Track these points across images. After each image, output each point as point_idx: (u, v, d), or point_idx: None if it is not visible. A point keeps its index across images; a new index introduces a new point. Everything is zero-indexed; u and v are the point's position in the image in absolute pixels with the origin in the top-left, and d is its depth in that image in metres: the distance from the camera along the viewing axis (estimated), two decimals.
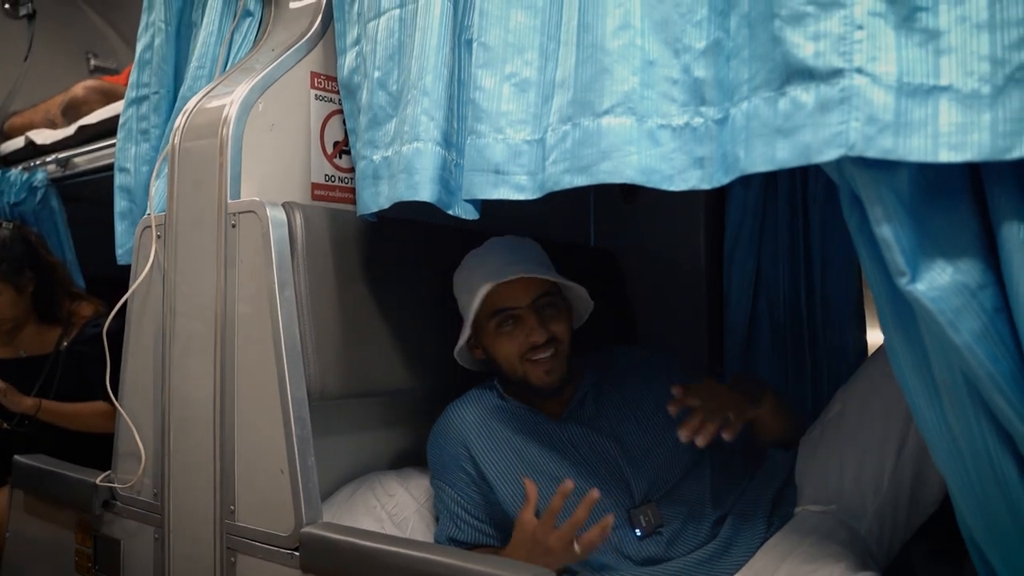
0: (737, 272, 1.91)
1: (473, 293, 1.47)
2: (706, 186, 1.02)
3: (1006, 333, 0.86)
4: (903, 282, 0.87)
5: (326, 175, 1.53)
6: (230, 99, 1.43)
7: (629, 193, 2.11)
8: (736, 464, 1.52)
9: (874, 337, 1.86)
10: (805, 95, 0.89)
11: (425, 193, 1.22)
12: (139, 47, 1.79)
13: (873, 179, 0.87)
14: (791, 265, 1.88)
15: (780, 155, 0.91)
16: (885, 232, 0.87)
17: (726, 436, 1.29)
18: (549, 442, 1.49)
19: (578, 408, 1.53)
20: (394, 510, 1.50)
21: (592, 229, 2.19)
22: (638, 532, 1.40)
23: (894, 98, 0.84)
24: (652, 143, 1.04)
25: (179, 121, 1.53)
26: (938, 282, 0.87)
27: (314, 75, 1.52)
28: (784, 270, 1.88)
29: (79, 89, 2.46)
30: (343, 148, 1.55)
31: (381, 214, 1.40)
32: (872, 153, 0.84)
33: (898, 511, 1.34)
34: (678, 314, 2.00)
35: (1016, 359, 0.86)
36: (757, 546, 1.36)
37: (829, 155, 0.87)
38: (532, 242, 1.58)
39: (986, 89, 0.82)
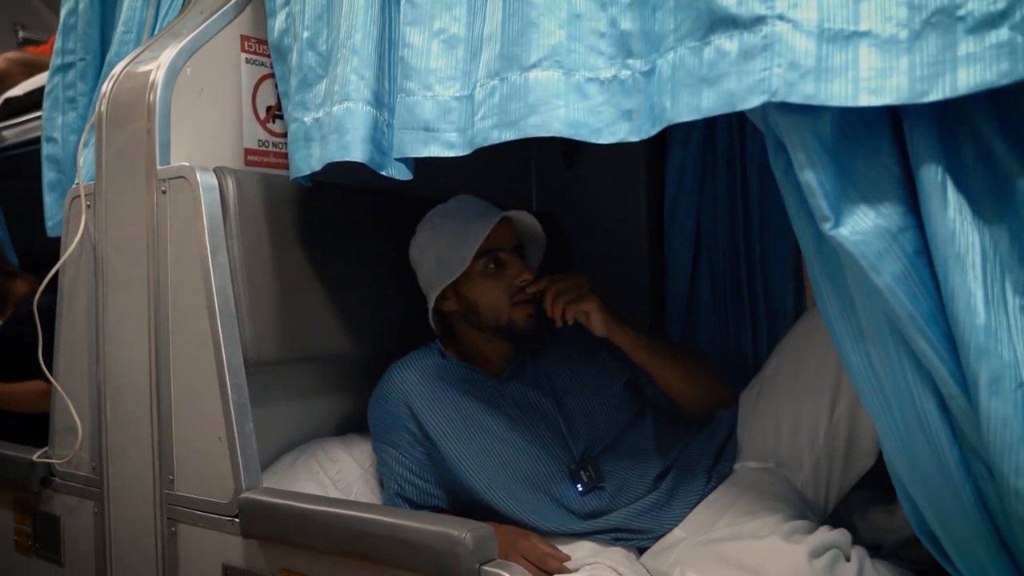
0: (677, 233, 1.93)
1: (472, 230, 1.46)
2: (634, 138, 1.02)
3: (926, 275, 0.88)
4: (827, 227, 0.88)
5: (259, 140, 1.50)
6: (157, 63, 1.40)
7: (570, 157, 2.11)
8: (680, 421, 1.54)
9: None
10: (729, 43, 0.90)
11: (357, 153, 1.21)
12: (63, 12, 1.74)
13: (796, 125, 0.88)
14: (730, 225, 1.90)
15: (705, 104, 0.92)
16: (808, 177, 0.88)
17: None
18: (491, 400, 1.50)
19: (518, 367, 1.54)
20: (337, 476, 1.50)
21: (534, 194, 2.19)
22: (580, 488, 1.41)
23: (815, 44, 0.85)
24: (580, 96, 1.04)
25: (105, 87, 1.49)
26: (860, 226, 0.88)
27: (244, 38, 1.49)
28: (723, 230, 1.90)
29: (1, 62, 2.38)
30: (276, 113, 1.53)
31: (316, 178, 1.38)
32: (794, 98, 0.85)
33: (833, 463, 1.37)
34: (621, 276, 2.00)
35: (935, 300, 0.88)
36: (697, 500, 1.38)
37: (752, 102, 0.88)
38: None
39: (904, 34, 0.83)
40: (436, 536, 1.02)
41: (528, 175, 2.18)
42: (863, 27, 0.84)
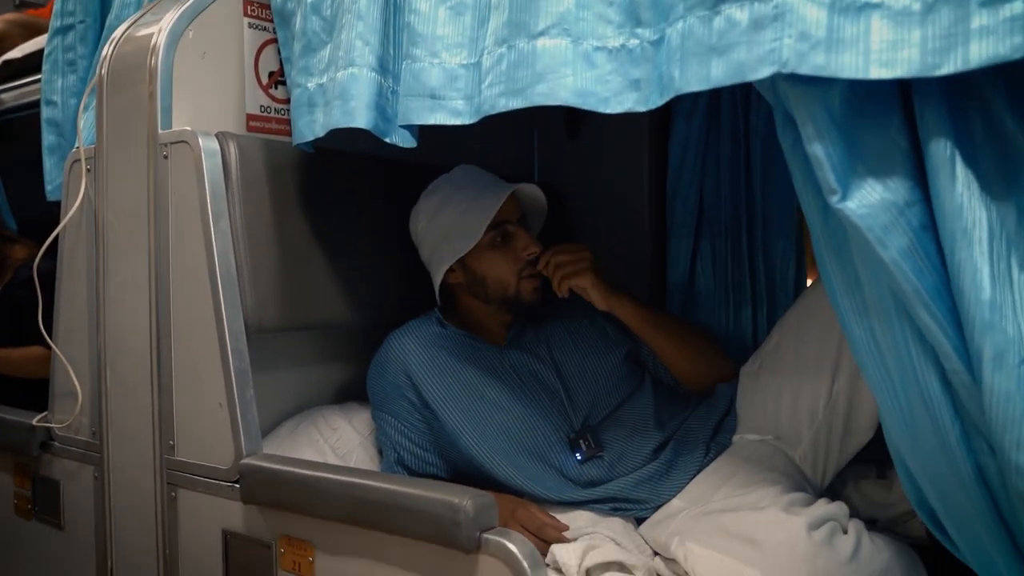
0: (680, 207, 1.92)
1: (483, 202, 1.45)
2: (641, 108, 1.01)
3: (931, 249, 0.88)
4: (834, 200, 0.87)
5: (261, 106, 1.49)
6: (158, 27, 1.38)
7: (573, 128, 2.09)
8: (680, 394, 1.54)
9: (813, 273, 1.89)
10: (739, 13, 0.89)
11: (361, 120, 1.20)
12: None
13: (805, 97, 0.88)
14: (733, 199, 1.89)
15: (715, 74, 0.91)
16: (817, 150, 0.87)
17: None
18: (491, 369, 1.50)
19: (518, 336, 1.54)
20: (337, 443, 1.50)
21: (536, 164, 2.18)
22: (579, 456, 1.42)
23: (826, 15, 0.84)
24: (588, 65, 1.03)
25: (106, 50, 1.47)
26: (868, 200, 0.87)
27: (247, 2, 1.48)
28: (726, 204, 1.89)
29: None
30: (279, 79, 1.51)
31: (319, 145, 1.38)
32: (804, 70, 0.85)
33: (832, 438, 1.37)
34: (623, 249, 2.00)
35: (940, 274, 0.87)
36: (696, 471, 1.39)
37: (762, 72, 0.87)
38: None
39: (916, 6, 0.82)
40: (437, 503, 1.02)
41: (530, 145, 2.17)
42: None
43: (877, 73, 0.83)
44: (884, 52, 0.83)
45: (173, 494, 1.35)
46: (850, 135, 0.89)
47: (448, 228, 1.49)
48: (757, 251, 1.88)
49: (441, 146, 1.49)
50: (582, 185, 2.06)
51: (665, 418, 1.49)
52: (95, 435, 1.50)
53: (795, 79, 0.87)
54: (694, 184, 1.91)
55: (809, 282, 1.91)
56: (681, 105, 1.90)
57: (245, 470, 1.24)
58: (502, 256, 1.49)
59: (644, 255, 2.00)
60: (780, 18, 0.86)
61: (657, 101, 0.99)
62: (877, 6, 0.83)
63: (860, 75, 0.83)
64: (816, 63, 0.84)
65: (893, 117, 0.90)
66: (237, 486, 1.26)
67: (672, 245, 1.94)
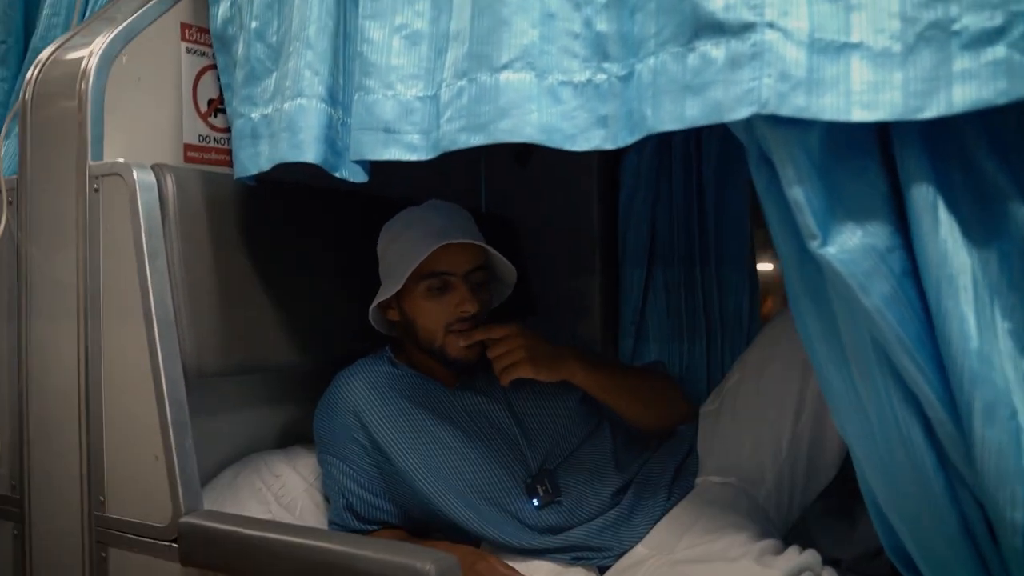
0: (632, 237, 1.89)
1: (414, 249, 1.38)
2: (610, 146, 0.98)
3: (914, 296, 0.85)
4: (814, 245, 0.84)
5: (200, 135, 1.41)
6: (89, 50, 1.29)
7: (522, 156, 2.06)
8: (637, 437, 1.50)
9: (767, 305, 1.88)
10: (715, 50, 0.86)
11: (310, 154, 1.13)
12: None
13: (784, 139, 0.85)
14: (685, 230, 1.87)
15: (690, 113, 0.88)
16: (796, 194, 0.84)
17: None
18: (443, 411, 1.44)
19: (471, 377, 1.48)
20: (281, 491, 1.42)
21: (484, 194, 2.13)
22: (535, 502, 1.37)
23: (805, 54, 0.82)
24: (553, 100, 0.99)
25: (31, 74, 1.37)
26: (848, 245, 0.85)
27: (185, 26, 1.40)
28: (679, 235, 1.87)
29: None
30: (218, 106, 1.44)
31: (261, 176, 1.30)
32: (785, 111, 0.81)
33: (796, 477, 1.35)
34: (573, 280, 1.96)
35: (923, 322, 0.85)
36: (659, 516, 1.35)
37: (740, 113, 0.84)
38: (467, 212, 1.50)
39: (897, 47, 0.80)
40: (398, 568, 0.95)
41: (478, 174, 2.12)
42: (855, 38, 0.81)
43: (860, 115, 0.80)
44: (865, 94, 0.80)
45: (103, 554, 1.25)
46: (829, 178, 0.86)
47: (390, 264, 1.44)
48: (711, 282, 1.86)
49: (387, 176, 1.43)
50: (532, 215, 2.02)
51: (625, 461, 1.45)
52: (15, 488, 1.38)
53: (774, 120, 0.84)
54: (646, 214, 1.88)
55: (763, 312, 1.90)
56: None
57: (184, 529, 1.15)
58: (433, 305, 1.41)
59: (595, 286, 1.96)
60: (758, 57, 0.83)
61: (626, 139, 0.95)
62: (856, 47, 0.81)
63: (842, 117, 0.81)
64: (797, 104, 0.81)
65: (871, 160, 0.88)
66: (175, 546, 1.16)
67: (624, 276, 1.91)
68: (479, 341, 1.40)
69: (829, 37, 0.82)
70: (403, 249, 1.41)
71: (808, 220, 0.84)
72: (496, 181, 2.11)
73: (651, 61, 0.92)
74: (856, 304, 0.85)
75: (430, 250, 1.35)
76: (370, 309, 1.44)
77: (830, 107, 0.81)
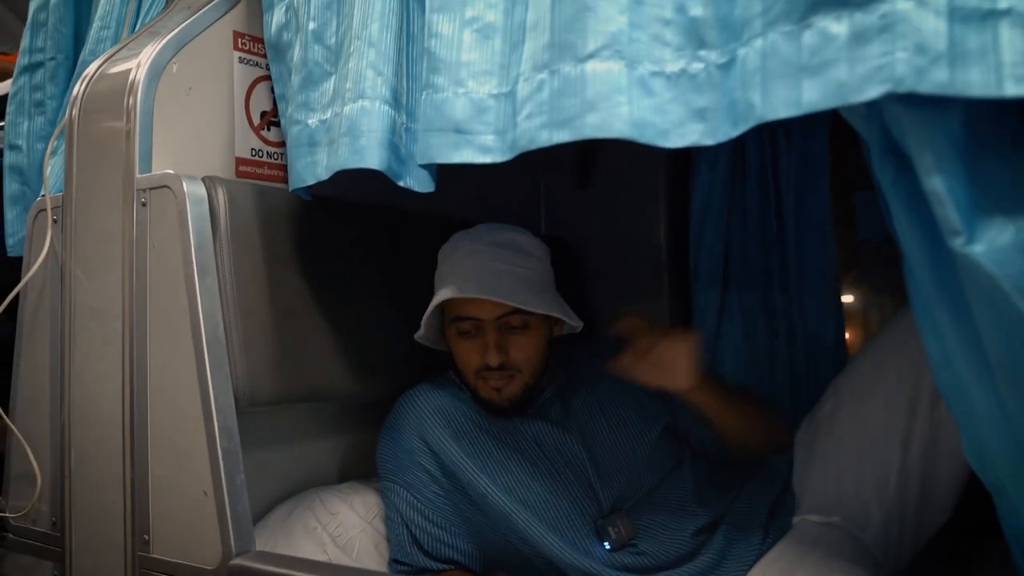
0: (704, 258, 1.78)
1: (441, 286, 1.30)
2: (709, 141, 0.87)
3: None
4: (958, 243, 0.73)
5: (252, 149, 1.33)
6: (137, 61, 1.23)
7: (583, 176, 1.96)
8: (724, 470, 1.37)
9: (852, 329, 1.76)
10: (836, 26, 0.75)
11: (373, 159, 1.04)
12: (32, 7, 1.56)
13: (921, 121, 0.74)
14: (763, 250, 1.75)
15: (807, 97, 0.77)
16: (936, 184, 0.73)
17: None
18: (512, 439, 1.34)
19: (545, 406, 1.38)
20: (337, 531, 1.31)
21: (543, 215, 2.03)
22: (607, 545, 1.25)
23: (945, 24, 0.71)
24: (644, 92, 0.89)
25: (77, 89, 1.31)
26: (998, 242, 0.73)
27: (238, 35, 1.33)
28: (755, 256, 1.75)
29: None
30: (272, 119, 1.36)
31: (317, 192, 1.22)
32: (925, 88, 0.70)
33: (906, 518, 1.22)
34: (641, 305, 1.85)
35: None
36: (753, 560, 1.22)
37: (870, 93, 0.73)
38: (528, 239, 1.38)
39: None
40: None
41: (537, 195, 2.02)
42: (1002, 4, 0.70)
43: (1013, 90, 0.69)
44: (1019, 66, 0.69)
45: None
46: (974, 166, 0.75)
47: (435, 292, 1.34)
48: (793, 307, 1.73)
49: (445, 196, 1.34)
50: (594, 237, 1.92)
51: (709, 497, 1.32)
52: (55, 526, 1.30)
53: (908, 101, 0.74)
54: (719, 233, 1.77)
55: (848, 337, 1.77)
56: (703, 151, 1.78)
57: (236, 572, 1.05)
58: (467, 346, 1.33)
59: (664, 311, 1.85)
60: (890, 29, 0.72)
61: (729, 132, 0.85)
62: (1005, 13, 0.70)
63: (992, 93, 0.70)
64: (938, 80, 0.70)
65: (1021, 144, 0.77)
66: None
67: (697, 300, 1.79)
68: (514, 388, 1.32)
69: (972, 4, 0.71)
70: (438, 282, 1.34)
71: (951, 214, 0.73)
72: (556, 201, 2.02)
73: (758, 43, 0.82)
74: (1009, 309, 0.73)
75: (437, 303, 1.29)
76: (419, 332, 1.35)
77: (978, 82, 0.70)
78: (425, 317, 1.32)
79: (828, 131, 1.71)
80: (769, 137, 1.73)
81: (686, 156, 1.83)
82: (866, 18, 0.74)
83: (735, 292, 1.77)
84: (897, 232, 0.83)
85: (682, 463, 1.36)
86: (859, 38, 0.74)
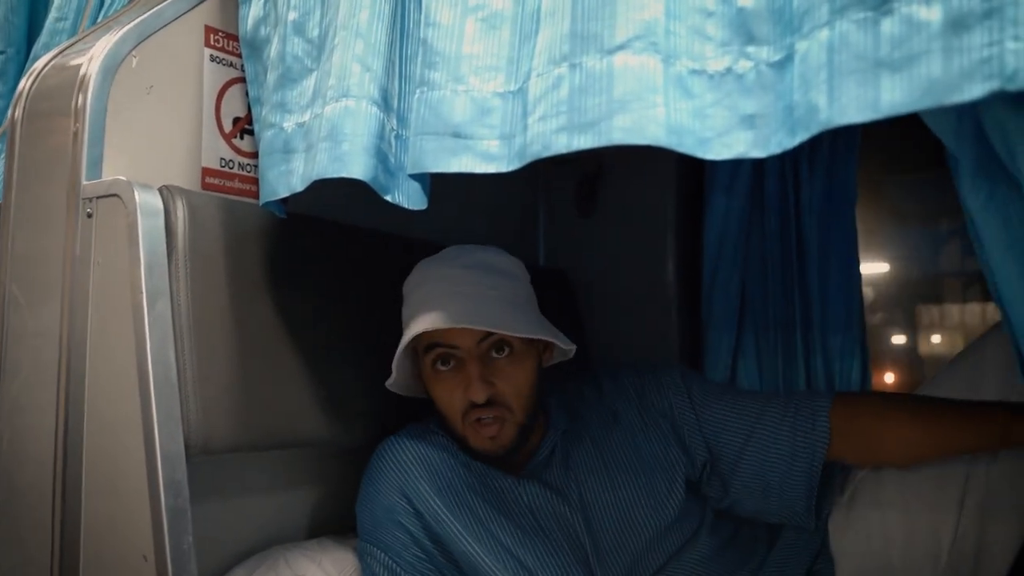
0: (720, 296, 1.63)
1: (411, 318, 1.14)
2: (759, 153, 0.73)
3: None
4: None
5: (222, 159, 1.18)
6: (90, 55, 1.07)
7: (586, 205, 1.82)
8: (746, 534, 1.21)
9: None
10: (926, 10, 0.62)
11: (357, 168, 0.88)
12: None
13: None
14: (783, 288, 1.61)
15: (889, 97, 0.63)
16: None
17: None
18: (502, 504, 1.17)
19: (542, 464, 1.21)
20: None
21: (541, 246, 1.89)
22: None
23: None
24: (683, 93, 0.75)
25: (23, 86, 1.15)
26: None
27: (210, 30, 1.18)
28: (775, 294, 1.61)
29: None
30: (245, 126, 1.21)
31: (292, 209, 1.07)
32: None
33: None
34: (647, 346, 1.71)
35: None
36: None
37: (973, 91, 0.59)
38: (503, 259, 1.20)
39: None
40: None
41: (535, 223, 1.88)
42: None
43: None
44: None
45: None
46: None
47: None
48: (814, 348, 1.58)
49: (431, 221, 1.20)
50: (597, 272, 1.78)
51: (732, 565, 1.16)
52: None
53: (1018, 102, 0.60)
54: (736, 269, 1.62)
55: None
56: (718, 177, 1.64)
57: None
58: (446, 384, 1.15)
59: (672, 352, 1.70)
60: (996, 14, 0.59)
61: (784, 143, 0.70)
62: None
63: None
64: None
65: None
66: None
67: (710, 341, 1.65)
68: (508, 430, 1.14)
69: None
70: (406, 315, 1.17)
71: None
72: (556, 232, 1.87)
73: (823, 35, 0.68)
74: None
75: (409, 337, 1.11)
76: (389, 380, 1.18)
77: None
78: (396, 359, 1.14)
79: (857, 153, 1.58)
80: (791, 164, 1.60)
81: (698, 181, 1.70)
82: (965, 1, 0.60)
83: (751, 332, 1.62)
84: (991, 268, 0.69)
85: (699, 530, 1.19)
86: (957, 25, 0.61)
